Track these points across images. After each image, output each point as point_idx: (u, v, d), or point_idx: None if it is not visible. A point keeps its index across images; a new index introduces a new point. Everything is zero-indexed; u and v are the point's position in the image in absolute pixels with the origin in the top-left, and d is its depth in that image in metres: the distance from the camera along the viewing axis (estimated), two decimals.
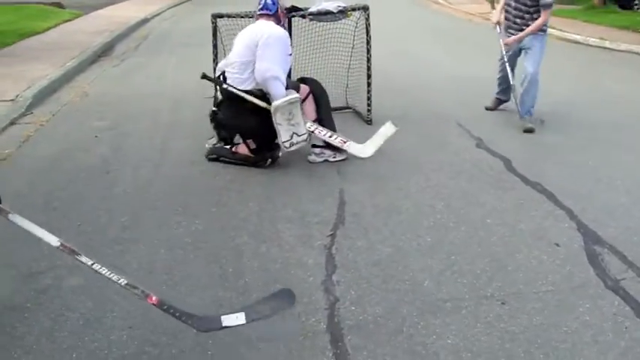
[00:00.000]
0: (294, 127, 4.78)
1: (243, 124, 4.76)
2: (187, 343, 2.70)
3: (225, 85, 4.83)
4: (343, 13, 5.94)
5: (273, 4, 4.84)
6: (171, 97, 7.51)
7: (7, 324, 2.86)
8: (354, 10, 5.95)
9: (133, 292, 2.59)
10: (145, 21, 15.65)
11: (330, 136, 4.90)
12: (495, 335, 2.70)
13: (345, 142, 4.87)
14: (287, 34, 4.94)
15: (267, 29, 4.77)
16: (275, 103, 4.73)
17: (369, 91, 6.03)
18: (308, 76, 5.63)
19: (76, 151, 5.29)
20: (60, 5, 17.14)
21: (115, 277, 2.56)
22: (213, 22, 5.87)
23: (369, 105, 6.17)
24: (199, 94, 6.79)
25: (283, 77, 4.72)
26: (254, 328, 2.68)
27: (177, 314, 2.58)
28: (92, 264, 2.58)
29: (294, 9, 5.92)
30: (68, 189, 4.60)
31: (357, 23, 6.24)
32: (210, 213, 4.12)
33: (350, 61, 6.35)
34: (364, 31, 5.99)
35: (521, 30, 6.23)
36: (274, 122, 4.72)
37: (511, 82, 6.18)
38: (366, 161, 4.88)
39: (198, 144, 5.46)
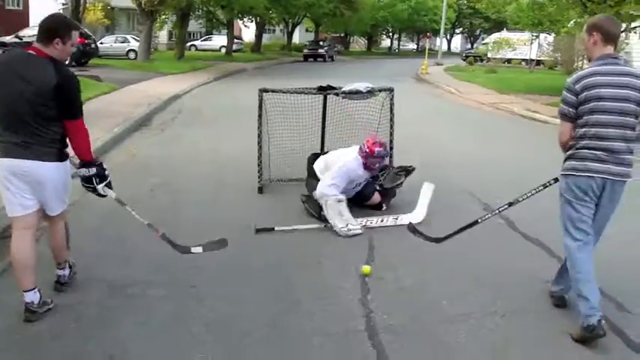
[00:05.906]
0: (346, 220, 6.36)
1: None
2: (256, 336, 4.18)
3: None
4: (371, 93, 7.08)
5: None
6: (211, 160, 9.72)
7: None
8: (380, 91, 6.95)
9: (149, 228, 4.73)
10: (176, 97, 18.30)
11: (382, 221, 6.57)
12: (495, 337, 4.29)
13: (396, 218, 6.53)
14: (355, 166, 6.70)
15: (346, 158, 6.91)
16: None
17: (390, 163, 7.03)
18: (338, 147, 7.42)
19: (137, 198, 6.39)
20: (97, 78, 20.78)
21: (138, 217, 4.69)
22: (259, 96, 7.05)
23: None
24: (238, 160, 8.67)
25: (340, 184, 6.56)
26: (309, 326, 4.34)
27: (171, 243, 4.77)
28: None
29: (329, 87, 7.00)
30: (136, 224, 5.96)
31: (382, 104, 7.34)
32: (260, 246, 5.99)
33: (376, 135, 7.43)
34: (389, 110, 6.94)
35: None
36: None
37: None
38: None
39: (243, 195, 7.49)
